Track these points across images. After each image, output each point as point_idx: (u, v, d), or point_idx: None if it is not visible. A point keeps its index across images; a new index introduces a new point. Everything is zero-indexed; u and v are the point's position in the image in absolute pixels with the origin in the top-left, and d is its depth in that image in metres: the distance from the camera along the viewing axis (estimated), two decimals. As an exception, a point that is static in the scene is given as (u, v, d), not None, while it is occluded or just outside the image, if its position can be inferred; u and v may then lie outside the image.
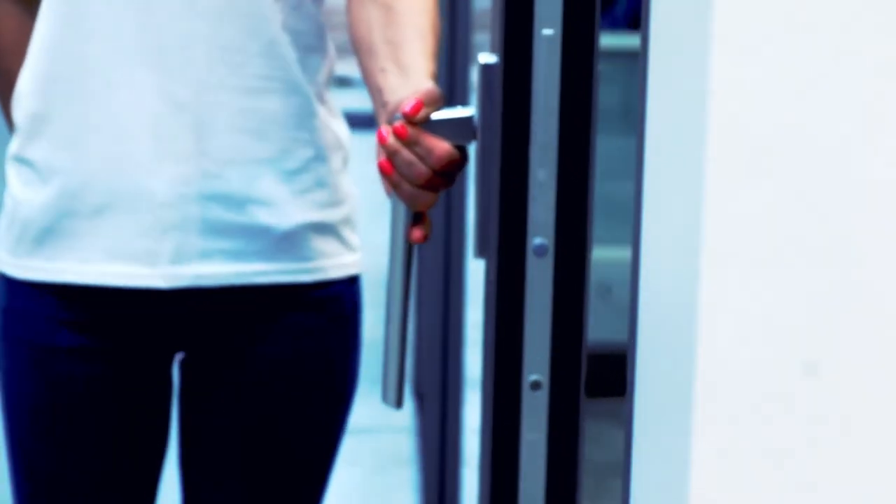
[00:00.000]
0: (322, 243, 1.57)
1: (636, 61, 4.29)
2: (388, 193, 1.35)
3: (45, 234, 1.54)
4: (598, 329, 4.32)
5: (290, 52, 1.53)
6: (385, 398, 1.39)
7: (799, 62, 0.64)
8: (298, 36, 1.54)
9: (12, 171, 1.58)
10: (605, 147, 4.27)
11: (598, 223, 4.29)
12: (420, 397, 4.10)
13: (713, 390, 0.66)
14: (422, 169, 1.30)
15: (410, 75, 1.37)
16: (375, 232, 6.40)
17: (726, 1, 0.63)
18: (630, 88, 4.25)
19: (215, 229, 1.52)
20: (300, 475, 1.62)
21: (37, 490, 1.61)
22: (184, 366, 1.65)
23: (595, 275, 4.29)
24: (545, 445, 1.30)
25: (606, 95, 4.26)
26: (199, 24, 1.49)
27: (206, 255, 1.53)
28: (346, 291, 1.61)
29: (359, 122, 9.24)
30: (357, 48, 1.47)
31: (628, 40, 4.25)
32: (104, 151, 1.50)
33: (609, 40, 4.25)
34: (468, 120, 1.32)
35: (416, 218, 1.35)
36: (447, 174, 1.32)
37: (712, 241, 0.65)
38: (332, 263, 1.58)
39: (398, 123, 1.31)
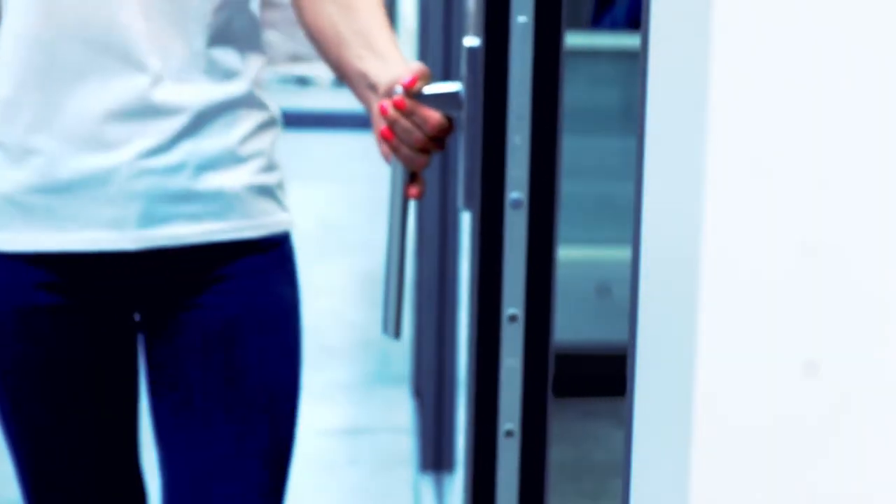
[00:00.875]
0: (263, 203, 1.79)
1: (636, 61, 4.29)
2: (387, 158, 1.60)
3: (23, 210, 1.71)
4: (598, 329, 4.33)
5: (234, 46, 1.75)
6: (385, 330, 1.62)
7: (799, 62, 0.64)
8: (241, 32, 1.77)
9: None
10: (605, 147, 4.27)
11: (599, 223, 4.29)
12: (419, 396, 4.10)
13: (713, 390, 0.66)
14: (418, 135, 1.58)
15: (388, 60, 1.63)
16: (376, 231, 6.40)
17: (726, 1, 0.63)
18: (630, 88, 4.25)
19: (176, 196, 1.72)
20: (276, 395, 1.81)
21: (32, 447, 1.81)
22: (148, 322, 1.83)
23: (595, 275, 4.30)
24: (521, 370, 1.54)
25: (606, 95, 4.26)
26: (160, 23, 1.69)
27: (168, 219, 1.73)
28: (283, 241, 1.84)
29: (359, 122, 9.23)
30: (321, 40, 1.72)
31: (628, 40, 4.25)
32: (74, 133, 1.68)
33: (609, 40, 4.25)
34: (455, 94, 1.57)
35: (412, 177, 1.63)
36: (439, 139, 1.59)
37: (712, 241, 0.65)
38: (272, 220, 1.80)
39: (397, 97, 1.56)
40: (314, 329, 4.91)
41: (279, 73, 10.36)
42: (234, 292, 1.79)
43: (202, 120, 1.72)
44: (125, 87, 1.68)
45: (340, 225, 6.46)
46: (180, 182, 1.72)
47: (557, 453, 3.80)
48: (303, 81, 10.63)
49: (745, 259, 0.65)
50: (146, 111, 1.69)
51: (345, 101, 9.74)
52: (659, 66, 0.74)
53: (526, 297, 1.52)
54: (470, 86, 1.53)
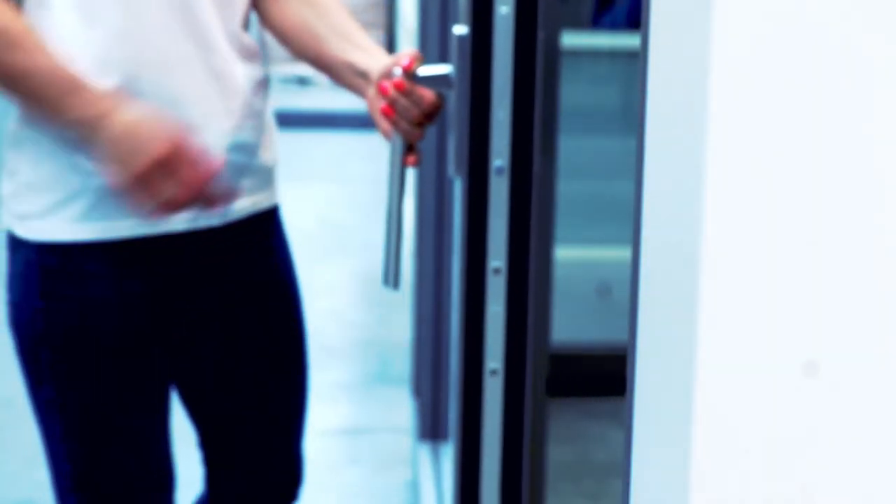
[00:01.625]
0: (272, 178, 2.02)
1: (636, 61, 4.29)
2: (387, 135, 1.78)
3: (120, 198, 1.78)
4: (598, 329, 4.33)
5: (249, 30, 1.94)
6: (386, 281, 1.84)
7: (799, 62, 0.64)
8: (250, 18, 1.95)
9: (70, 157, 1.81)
10: (605, 147, 4.27)
11: (599, 223, 4.29)
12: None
13: (713, 390, 0.66)
14: (415, 112, 1.77)
15: (369, 51, 1.87)
16: (376, 231, 6.40)
17: (726, 1, 0.63)
18: (630, 88, 4.25)
19: (240, 171, 1.89)
20: (296, 338, 2.08)
21: (89, 420, 1.90)
22: (183, 296, 1.94)
23: (595, 275, 4.29)
24: (504, 316, 1.75)
25: (606, 95, 4.26)
26: (219, 4, 1.85)
27: (237, 195, 1.91)
28: (278, 210, 2.09)
29: (359, 122, 9.23)
30: (295, 38, 1.93)
31: (628, 40, 4.25)
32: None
33: (609, 40, 4.25)
34: (447, 75, 1.78)
35: (409, 148, 1.82)
36: (432, 115, 1.79)
37: (712, 241, 0.65)
38: (276, 192, 2.05)
39: (397, 79, 1.77)
40: (314, 329, 4.91)
41: (279, 73, 10.35)
42: (267, 252, 2.02)
43: (251, 100, 1.89)
44: (204, 70, 1.82)
45: (340, 225, 6.46)
46: (243, 158, 1.89)
47: (557, 453, 3.80)
48: (303, 81, 10.62)
49: (745, 259, 0.65)
50: (220, 92, 1.83)
51: (345, 101, 9.75)
52: (659, 66, 0.74)
53: (508, 251, 1.74)
54: (459, 68, 1.75)
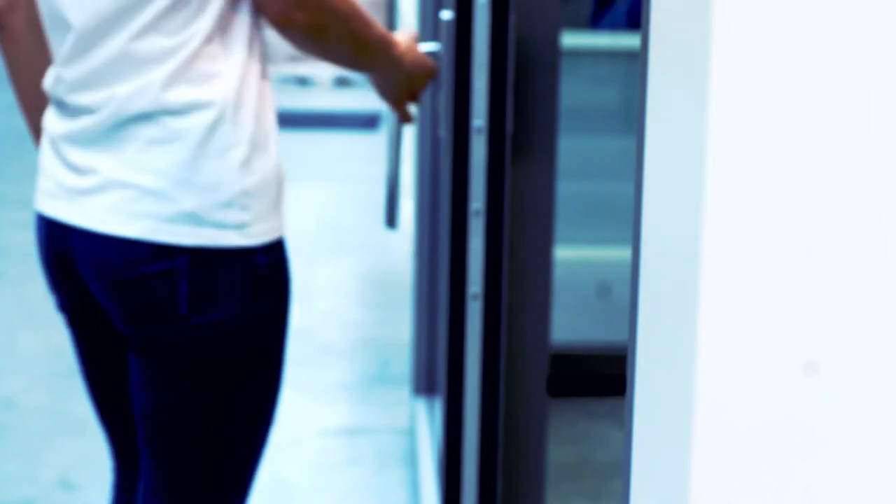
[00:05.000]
0: None
1: (636, 61, 4.29)
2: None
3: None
4: (598, 329, 4.32)
5: None
6: (388, 223, 2.25)
7: (799, 61, 0.64)
8: None
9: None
10: (605, 147, 4.27)
11: (599, 223, 4.29)
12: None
13: (713, 390, 0.66)
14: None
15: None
16: (376, 231, 6.40)
17: (726, 1, 0.63)
18: (630, 88, 4.25)
19: None
20: None
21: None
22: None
23: (595, 275, 4.29)
24: (482, 250, 2.12)
25: (606, 95, 4.26)
26: None
27: None
28: None
29: (359, 122, 9.23)
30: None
31: (628, 40, 4.25)
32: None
33: (609, 40, 4.25)
34: (435, 52, 2.16)
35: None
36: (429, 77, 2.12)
37: (712, 241, 0.65)
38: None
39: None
40: (314, 329, 4.91)
41: (279, 73, 10.36)
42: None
43: None
44: None
45: (340, 225, 6.46)
46: None
47: (557, 453, 3.80)
48: (303, 81, 10.62)
49: (745, 259, 0.65)
50: None
51: (345, 101, 9.74)
52: (659, 66, 0.74)
53: (486, 195, 2.10)
54: (446, 46, 2.13)
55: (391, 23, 11.58)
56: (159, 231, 1.74)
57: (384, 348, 4.75)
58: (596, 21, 4.46)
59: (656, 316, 0.73)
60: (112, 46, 1.74)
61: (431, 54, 2.16)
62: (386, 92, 2.10)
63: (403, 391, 4.32)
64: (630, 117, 4.22)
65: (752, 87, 0.64)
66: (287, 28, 1.79)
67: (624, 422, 0.80)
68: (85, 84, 1.77)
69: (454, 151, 2.13)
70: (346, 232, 6.37)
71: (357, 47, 1.92)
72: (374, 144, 8.55)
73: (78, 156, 1.79)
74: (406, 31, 2.11)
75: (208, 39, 1.73)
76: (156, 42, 1.72)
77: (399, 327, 4.95)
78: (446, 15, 2.16)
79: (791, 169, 0.65)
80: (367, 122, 9.33)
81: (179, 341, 1.78)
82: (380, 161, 7.98)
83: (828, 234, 0.65)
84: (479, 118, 2.09)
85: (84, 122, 1.77)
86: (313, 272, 5.60)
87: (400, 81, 2.08)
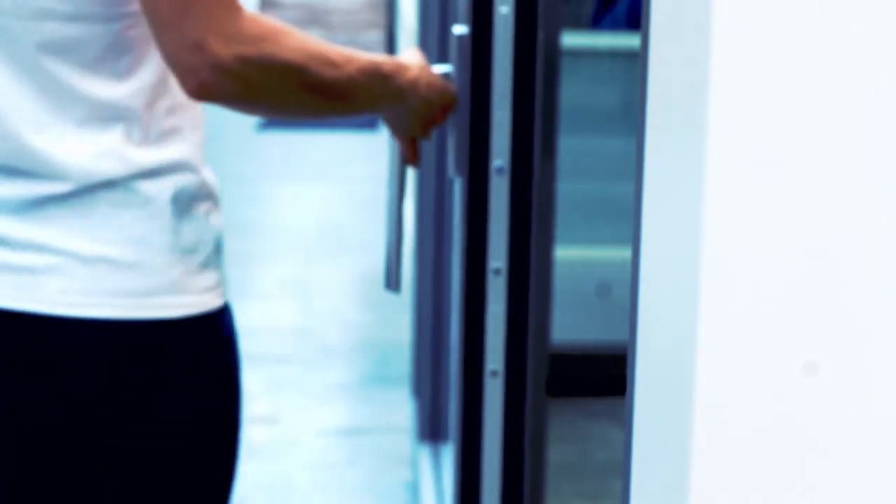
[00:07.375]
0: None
1: (636, 61, 4.29)
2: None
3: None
4: (598, 329, 4.33)
5: None
6: (388, 285, 1.77)
7: (798, 61, 0.64)
8: None
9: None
10: (605, 147, 4.27)
11: (599, 223, 4.29)
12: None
13: (713, 390, 0.66)
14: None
15: (374, 55, 1.69)
16: (376, 231, 6.40)
17: (726, 1, 0.63)
18: (630, 88, 4.25)
19: None
20: None
21: None
22: None
23: (595, 275, 4.30)
24: (504, 316, 1.74)
25: (606, 95, 4.26)
26: None
27: None
28: None
29: (359, 122, 9.23)
30: None
31: (628, 40, 4.25)
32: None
33: (609, 40, 4.26)
34: (446, 75, 1.73)
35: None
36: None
37: (712, 241, 0.65)
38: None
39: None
40: (314, 329, 4.91)
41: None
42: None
43: None
44: None
45: (340, 225, 6.46)
46: None
47: (557, 453, 3.80)
48: (303, 81, 10.62)
49: (745, 259, 0.65)
50: None
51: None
52: (659, 66, 0.74)
53: (508, 252, 1.73)
54: (459, 68, 1.72)
55: (391, 24, 11.54)
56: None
57: (384, 348, 4.75)
58: (596, 21, 4.46)
59: (656, 316, 0.73)
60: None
61: (444, 76, 1.74)
62: (400, 128, 1.70)
63: (403, 391, 4.32)
64: (630, 117, 4.22)
65: (752, 87, 0.64)
66: (216, 100, 1.45)
67: (624, 422, 0.80)
68: None
69: (469, 197, 1.76)
70: (345, 232, 6.37)
71: (331, 95, 1.52)
72: (374, 144, 8.54)
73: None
74: (413, 49, 1.70)
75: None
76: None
77: (399, 328, 4.96)
78: (459, 29, 1.73)
79: (791, 169, 0.65)
80: (366, 122, 9.33)
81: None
82: (380, 161, 7.98)
83: (828, 233, 0.65)
84: (500, 157, 1.72)
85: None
86: (313, 272, 5.60)
87: (417, 109, 1.66)
